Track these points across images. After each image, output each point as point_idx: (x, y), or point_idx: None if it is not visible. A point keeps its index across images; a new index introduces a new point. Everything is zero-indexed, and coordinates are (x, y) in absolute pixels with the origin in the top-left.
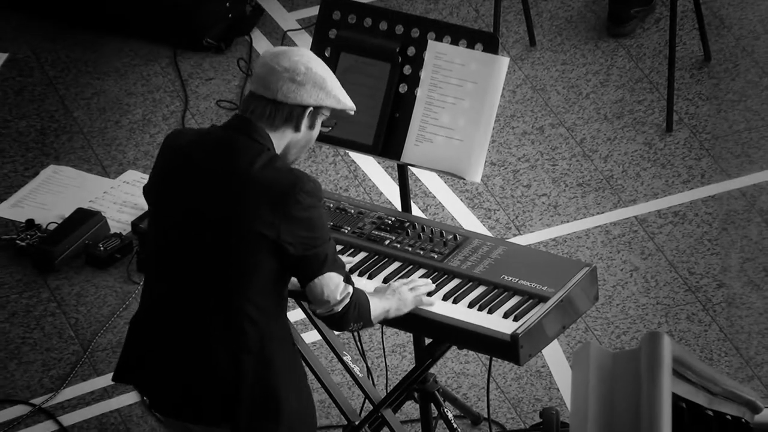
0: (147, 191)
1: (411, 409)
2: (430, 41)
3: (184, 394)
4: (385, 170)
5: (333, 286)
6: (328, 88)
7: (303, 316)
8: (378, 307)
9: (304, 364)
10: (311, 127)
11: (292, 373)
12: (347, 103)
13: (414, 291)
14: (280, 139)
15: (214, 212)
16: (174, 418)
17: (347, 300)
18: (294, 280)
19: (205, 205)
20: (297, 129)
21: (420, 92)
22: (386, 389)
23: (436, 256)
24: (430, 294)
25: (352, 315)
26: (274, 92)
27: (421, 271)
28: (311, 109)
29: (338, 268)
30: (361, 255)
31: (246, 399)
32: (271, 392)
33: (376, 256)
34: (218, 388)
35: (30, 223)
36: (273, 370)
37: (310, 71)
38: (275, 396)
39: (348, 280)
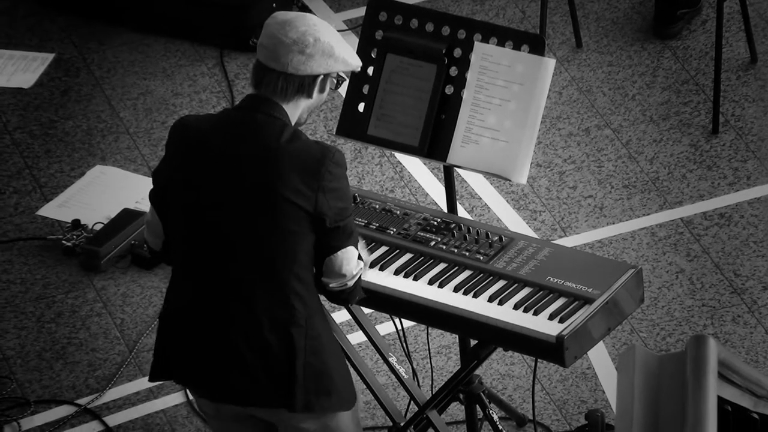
0: (157, 177)
1: (456, 410)
2: (476, 42)
3: (238, 375)
4: (431, 171)
5: (353, 261)
6: (336, 55)
7: (348, 317)
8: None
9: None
10: (322, 90)
11: (334, 344)
12: (354, 62)
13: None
14: (294, 108)
15: (249, 192)
16: (227, 403)
17: (359, 275)
18: None
19: (238, 187)
20: (309, 96)
21: (466, 94)
22: (432, 390)
23: (481, 258)
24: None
25: (359, 290)
26: (285, 65)
27: (466, 273)
28: (321, 76)
29: (356, 242)
30: (407, 256)
31: (300, 375)
32: (322, 366)
33: (422, 257)
34: (272, 365)
35: (76, 223)
36: (321, 343)
37: (318, 42)
38: (327, 370)
39: (359, 256)
